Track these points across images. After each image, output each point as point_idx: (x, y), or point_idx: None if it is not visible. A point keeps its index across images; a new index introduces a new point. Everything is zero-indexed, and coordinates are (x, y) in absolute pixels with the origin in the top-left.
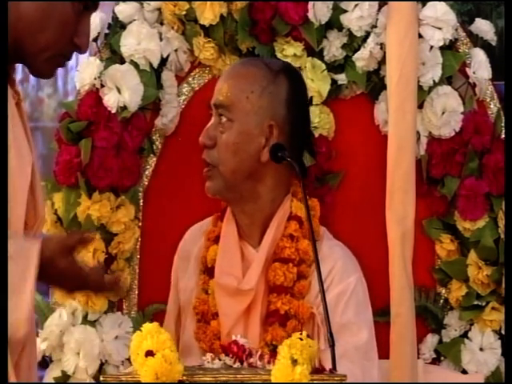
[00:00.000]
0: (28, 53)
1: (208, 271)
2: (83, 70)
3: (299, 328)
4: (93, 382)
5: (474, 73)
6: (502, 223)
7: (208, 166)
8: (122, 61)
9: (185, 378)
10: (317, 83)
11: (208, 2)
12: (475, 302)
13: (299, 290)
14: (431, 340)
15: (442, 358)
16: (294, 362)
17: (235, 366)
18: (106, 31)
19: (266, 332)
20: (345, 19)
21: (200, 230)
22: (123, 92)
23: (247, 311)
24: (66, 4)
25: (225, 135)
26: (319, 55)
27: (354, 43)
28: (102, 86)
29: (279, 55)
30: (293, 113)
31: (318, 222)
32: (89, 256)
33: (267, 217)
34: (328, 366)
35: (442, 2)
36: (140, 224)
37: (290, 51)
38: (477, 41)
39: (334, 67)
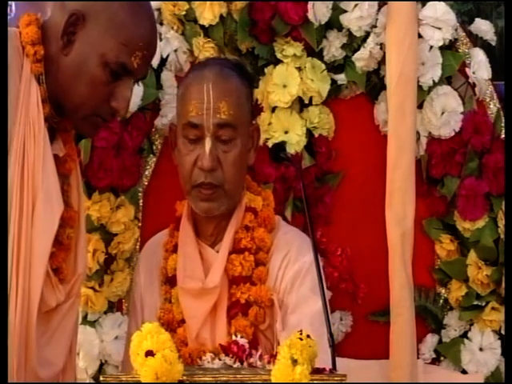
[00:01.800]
0: (66, 109)
1: (169, 281)
2: None
3: (261, 314)
4: (93, 382)
5: (473, 73)
6: (501, 223)
7: (211, 187)
8: None
9: (185, 378)
10: (317, 83)
11: (208, 2)
12: (475, 302)
13: (258, 276)
14: (431, 340)
15: (442, 358)
16: (294, 362)
17: (235, 366)
18: None
19: (230, 325)
20: (344, 19)
21: (157, 243)
22: None
23: (213, 310)
24: (96, 65)
25: (231, 154)
26: (319, 55)
27: (353, 43)
28: None
29: (279, 55)
30: (253, 109)
31: (273, 212)
32: (89, 256)
33: (230, 217)
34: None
35: (442, 2)
36: (140, 224)
37: (289, 51)
38: (476, 41)
39: (333, 67)
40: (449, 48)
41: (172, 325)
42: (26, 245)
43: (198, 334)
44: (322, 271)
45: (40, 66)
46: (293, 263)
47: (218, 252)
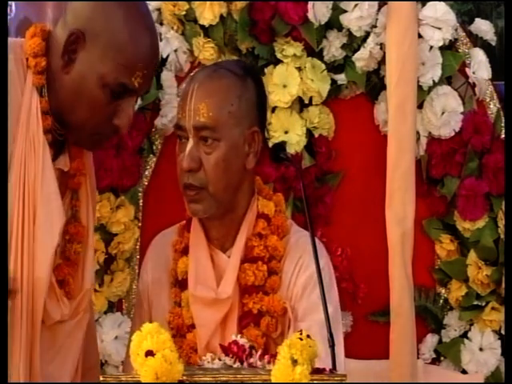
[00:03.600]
0: (69, 128)
1: (179, 284)
2: None
3: (273, 324)
4: (93, 381)
5: (473, 73)
6: (501, 223)
7: (194, 188)
8: None
9: (185, 378)
10: (317, 83)
11: (208, 2)
12: (475, 302)
13: (271, 285)
14: (431, 340)
15: (442, 358)
16: (294, 362)
17: (235, 366)
18: None
19: (241, 335)
20: (344, 19)
21: (166, 241)
22: None
23: (224, 319)
24: (96, 87)
25: (212, 156)
26: (319, 55)
27: (353, 43)
28: None
29: (279, 55)
30: (263, 112)
31: (284, 217)
32: None
33: (240, 222)
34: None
35: (442, 2)
36: (140, 224)
37: (289, 51)
38: (476, 41)
39: (333, 67)
40: (449, 48)
41: (182, 330)
42: (28, 258)
43: (208, 343)
44: (330, 273)
45: (41, 78)
46: (304, 269)
47: (229, 257)
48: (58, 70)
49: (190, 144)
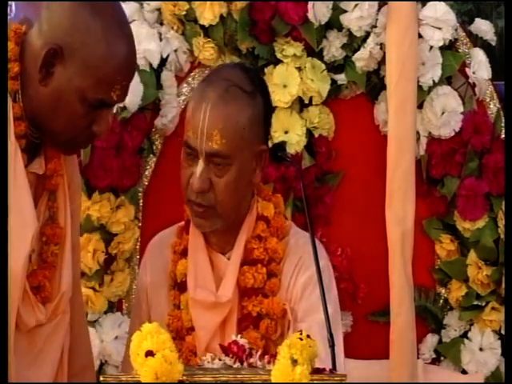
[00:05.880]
0: (46, 134)
1: (178, 286)
2: None
3: (272, 326)
4: (93, 382)
5: (473, 73)
6: (501, 223)
7: (202, 206)
8: None
9: (185, 378)
10: (317, 83)
11: (208, 2)
12: (475, 302)
13: (270, 288)
14: (431, 340)
15: (442, 358)
16: (294, 362)
17: (235, 366)
18: None
19: (241, 335)
20: (345, 19)
21: (165, 242)
22: None
23: (223, 322)
24: (75, 101)
25: (223, 179)
26: (319, 55)
27: (353, 43)
28: None
29: (279, 55)
30: (268, 124)
31: (284, 219)
32: (89, 256)
33: (240, 224)
34: None
35: (442, 2)
36: (140, 224)
37: (289, 51)
38: (477, 41)
39: (333, 67)
40: (449, 48)
41: (181, 332)
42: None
43: (207, 346)
44: (329, 274)
45: (14, 84)
46: (304, 271)
47: (229, 259)
48: (33, 78)
49: (201, 166)
